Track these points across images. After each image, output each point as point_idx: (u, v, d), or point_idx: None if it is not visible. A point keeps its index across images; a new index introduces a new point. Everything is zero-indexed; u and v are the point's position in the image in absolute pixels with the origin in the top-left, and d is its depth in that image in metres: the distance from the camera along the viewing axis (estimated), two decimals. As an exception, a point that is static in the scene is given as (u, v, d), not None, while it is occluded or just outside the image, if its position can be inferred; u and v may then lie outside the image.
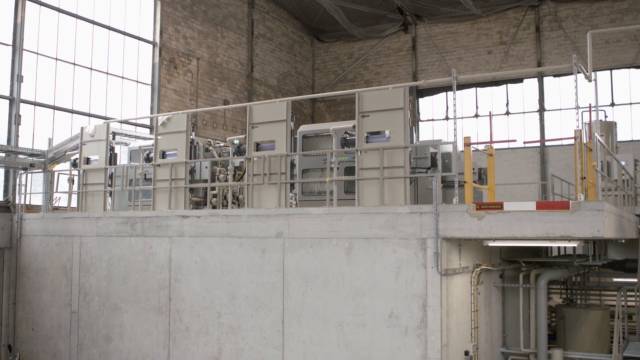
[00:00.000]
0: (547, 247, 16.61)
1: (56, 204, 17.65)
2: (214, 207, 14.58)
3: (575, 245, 11.17)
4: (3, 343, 15.96)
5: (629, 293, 14.80)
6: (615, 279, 17.31)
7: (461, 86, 28.15)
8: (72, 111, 20.20)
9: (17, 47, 18.40)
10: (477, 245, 11.94)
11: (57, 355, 15.01)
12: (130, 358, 13.73)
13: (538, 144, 26.72)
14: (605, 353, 14.28)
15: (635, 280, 14.40)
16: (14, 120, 18.11)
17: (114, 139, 16.19)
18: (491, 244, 11.24)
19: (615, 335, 12.00)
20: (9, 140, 17.94)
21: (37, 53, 19.16)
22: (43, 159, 17.10)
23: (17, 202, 16.33)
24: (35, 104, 18.96)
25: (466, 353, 11.31)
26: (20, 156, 16.86)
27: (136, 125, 22.50)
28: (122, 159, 17.01)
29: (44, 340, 15.28)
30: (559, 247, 17.81)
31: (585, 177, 10.30)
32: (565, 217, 9.61)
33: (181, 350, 12.98)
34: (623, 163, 15.74)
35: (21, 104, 18.38)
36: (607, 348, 15.32)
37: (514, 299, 13.59)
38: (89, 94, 20.95)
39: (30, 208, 17.16)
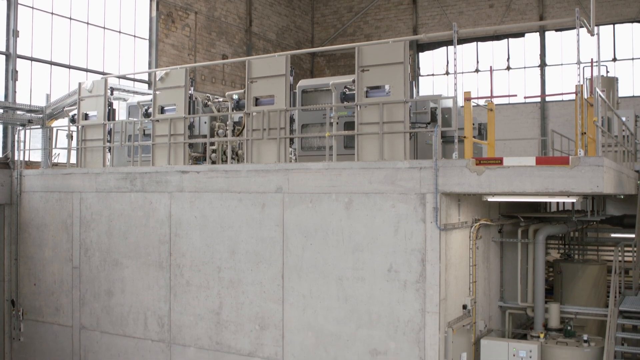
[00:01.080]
0: (546, 203, 16.66)
1: (55, 160, 17.62)
2: (213, 162, 14.57)
3: (574, 200, 11.18)
4: (6, 298, 16.12)
5: (626, 248, 14.88)
6: (613, 235, 17.41)
7: (462, 40, 27.84)
8: (69, 66, 20.03)
9: (12, 2, 18.12)
10: (476, 200, 11.97)
11: (59, 309, 15.19)
12: (132, 312, 13.89)
13: (538, 100, 26.58)
14: (602, 307, 14.44)
15: (633, 235, 14.47)
16: (11, 75, 17.97)
17: (112, 94, 16.06)
18: (490, 199, 11.27)
19: (612, 289, 12.10)
20: (6, 96, 17.84)
21: (32, 7, 18.88)
22: (41, 115, 17.00)
23: (16, 158, 16.30)
24: (31, 59, 18.77)
25: (464, 307, 11.44)
26: (18, 112, 16.76)
27: (134, 80, 22.34)
28: (121, 114, 16.93)
29: (46, 295, 15.44)
30: (557, 203, 17.86)
31: (585, 133, 10.26)
32: (564, 172, 9.61)
33: (182, 304, 13.13)
34: (624, 119, 15.67)
35: (17, 60, 18.20)
36: (603, 302, 15.50)
37: (512, 253, 13.69)
38: (86, 49, 20.73)
39: (30, 164, 17.13)
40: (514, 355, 11.52)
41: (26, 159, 16.60)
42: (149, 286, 13.64)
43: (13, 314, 16.01)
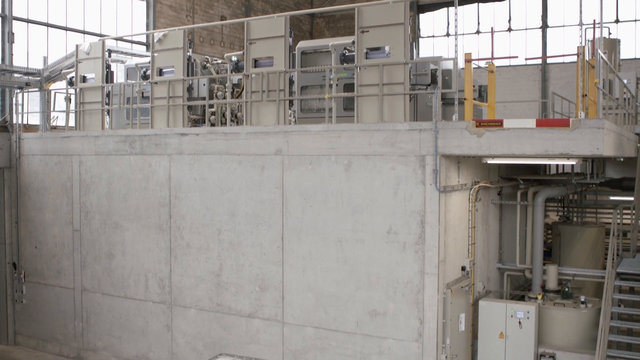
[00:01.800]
0: (545, 165, 16.65)
1: (54, 123, 17.57)
2: (212, 124, 14.52)
3: (574, 163, 11.18)
4: (8, 261, 16.22)
5: (624, 211, 14.92)
6: (611, 197, 17.44)
7: (463, 1, 27.53)
8: (66, 28, 19.81)
9: (6, -38, 17.87)
10: (476, 162, 11.96)
11: (61, 272, 15.29)
12: (133, 274, 13.99)
13: (540, 62, 26.35)
14: (599, 269, 14.54)
15: (632, 198, 14.49)
16: (7, 38, 17.78)
17: (109, 56, 15.93)
18: (490, 161, 11.25)
19: (610, 252, 12.15)
20: (3, 59, 17.68)
21: (27, -33, 18.63)
22: (39, 78, 16.87)
23: (14, 121, 16.24)
24: (28, 21, 18.57)
25: (463, 268, 11.52)
26: (16, 75, 16.63)
27: (132, 42, 22.12)
28: (119, 77, 16.81)
29: (48, 257, 15.53)
30: (557, 165, 17.86)
31: (586, 95, 10.20)
32: (564, 134, 9.58)
33: (182, 266, 13.21)
34: (625, 81, 15.57)
35: (14, 22, 18.00)
36: (601, 264, 15.59)
37: (511, 216, 13.73)
38: (82, 10, 20.48)
39: (28, 127, 17.08)
40: (511, 317, 11.63)
41: (24, 122, 16.54)
42: (149, 248, 13.71)
43: (15, 276, 16.14)
